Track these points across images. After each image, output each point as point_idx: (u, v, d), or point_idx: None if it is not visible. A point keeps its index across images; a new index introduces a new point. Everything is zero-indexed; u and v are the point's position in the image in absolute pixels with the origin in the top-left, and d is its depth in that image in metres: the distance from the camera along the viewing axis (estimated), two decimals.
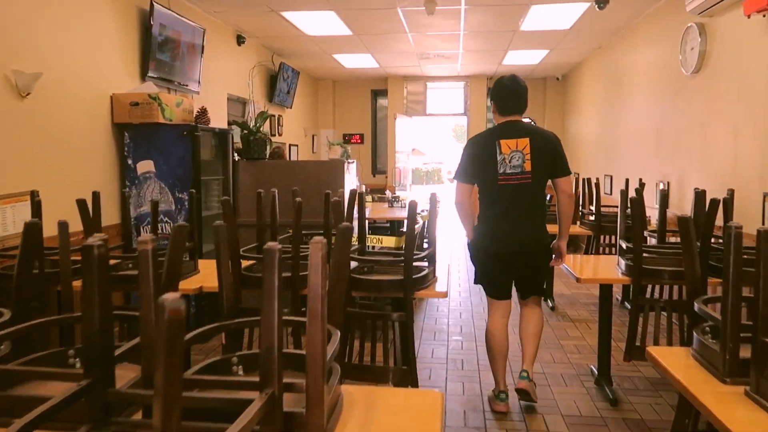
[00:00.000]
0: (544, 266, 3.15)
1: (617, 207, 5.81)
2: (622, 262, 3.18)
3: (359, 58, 8.43)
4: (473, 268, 3.25)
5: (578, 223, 5.35)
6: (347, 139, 10.90)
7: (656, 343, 3.01)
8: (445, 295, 2.80)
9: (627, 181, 5.43)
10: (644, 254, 3.00)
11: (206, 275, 3.14)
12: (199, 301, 4.12)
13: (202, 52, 5.41)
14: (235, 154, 4.89)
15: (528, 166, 2.95)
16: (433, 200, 3.20)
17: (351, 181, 4.92)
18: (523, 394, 3.10)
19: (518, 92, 3.06)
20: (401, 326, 2.70)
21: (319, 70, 9.53)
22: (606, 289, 3.34)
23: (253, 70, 4.78)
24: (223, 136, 4.73)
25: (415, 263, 2.78)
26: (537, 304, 3.19)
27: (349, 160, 4.83)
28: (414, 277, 2.72)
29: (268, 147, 4.90)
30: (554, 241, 3.18)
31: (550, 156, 2.99)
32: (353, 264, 2.89)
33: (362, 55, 8.15)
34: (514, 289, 3.18)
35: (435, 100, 10.54)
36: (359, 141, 10.91)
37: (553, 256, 3.17)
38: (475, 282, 3.24)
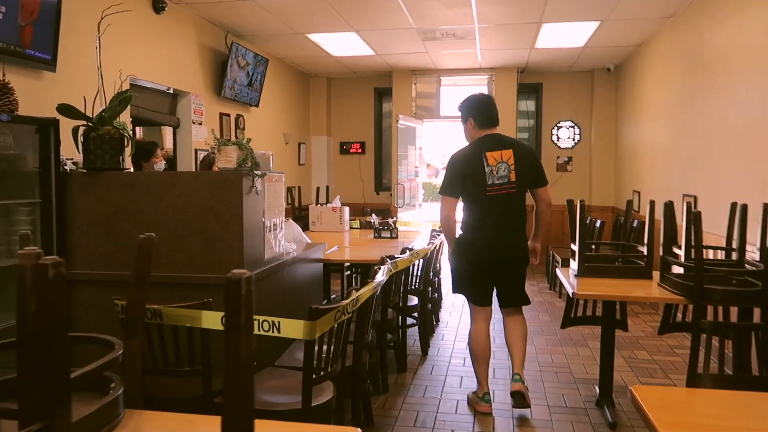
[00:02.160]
0: (524, 273, 3.38)
1: (722, 250, 3.64)
2: None
3: (345, 41, 6.45)
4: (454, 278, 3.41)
5: (656, 277, 3.18)
6: (345, 148, 8.92)
7: None
8: None
9: (740, 208, 3.21)
10: None
11: None
12: None
13: (59, 12, 3.51)
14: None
15: (513, 177, 3.16)
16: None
17: (259, 207, 2.90)
18: (517, 397, 3.17)
19: (494, 105, 3.32)
20: None
21: (303, 60, 7.59)
22: None
23: (101, 25, 2.86)
24: (43, 133, 2.77)
25: None
26: (519, 311, 3.37)
27: (257, 172, 2.81)
28: None
29: (128, 149, 2.93)
30: (530, 242, 3.41)
31: (531, 166, 3.24)
32: None
33: (346, 35, 6.16)
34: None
35: (451, 99, 8.45)
36: (359, 150, 8.91)
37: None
38: (454, 290, 3.39)
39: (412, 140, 8.14)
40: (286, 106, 7.78)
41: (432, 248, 4.23)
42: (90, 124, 2.83)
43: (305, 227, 6.26)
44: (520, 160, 3.16)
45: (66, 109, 2.74)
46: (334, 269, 5.98)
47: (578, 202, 3.34)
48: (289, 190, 7.46)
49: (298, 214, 7.46)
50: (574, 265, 3.40)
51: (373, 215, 5.68)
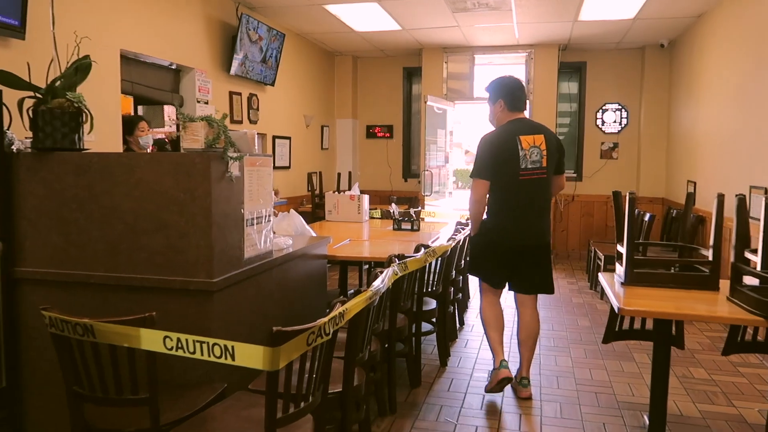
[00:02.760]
0: (548, 260, 3.28)
1: None
2: None
3: (367, 13, 5.90)
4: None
5: (723, 289, 2.57)
6: (372, 132, 8.40)
7: None
8: None
9: None
10: None
11: None
12: None
13: None
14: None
15: (545, 162, 3.12)
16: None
17: (236, 196, 2.41)
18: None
19: (524, 89, 3.32)
20: None
21: (325, 37, 7.08)
22: None
23: None
24: None
25: None
26: (535, 306, 3.32)
27: (232, 154, 2.32)
28: None
29: (87, 125, 2.48)
30: None
31: (558, 152, 3.22)
32: None
33: (367, 6, 5.62)
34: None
35: (486, 80, 7.80)
36: (387, 135, 8.38)
37: None
38: (472, 271, 3.47)
39: (442, 123, 7.56)
40: (308, 86, 7.29)
41: (453, 245, 3.68)
42: (39, 95, 2.39)
43: (322, 216, 5.80)
44: (550, 146, 3.14)
45: (6, 78, 2.31)
46: (351, 263, 5.51)
47: (627, 194, 2.75)
48: (310, 176, 7.00)
49: (318, 202, 7.01)
50: (620, 270, 2.82)
51: (393, 205, 5.16)
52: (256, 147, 2.69)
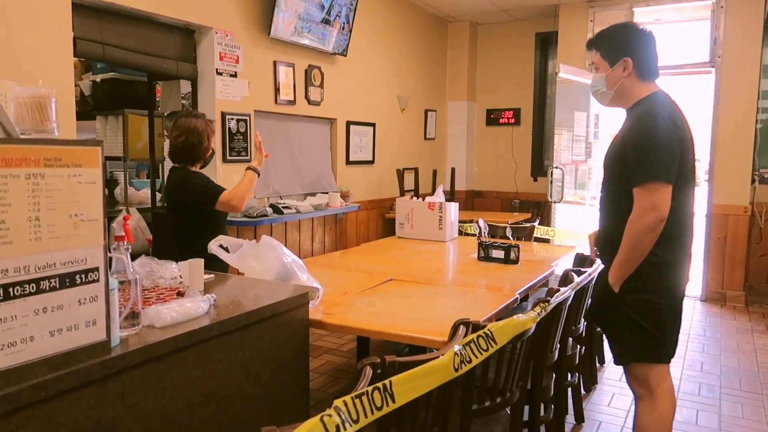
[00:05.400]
0: None
1: None
2: None
3: None
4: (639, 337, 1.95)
5: None
6: (493, 118, 6.64)
7: None
8: None
9: None
10: None
11: None
12: None
13: None
14: None
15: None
16: None
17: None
18: None
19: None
20: None
21: None
22: None
23: None
24: None
25: None
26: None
27: None
28: None
29: None
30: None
31: None
32: None
33: None
34: None
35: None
36: (512, 121, 6.57)
37: None
38: (653, 357, 1.97)
39: (582, 104, 5.59)
40: (405, 60, 5.76)
41: (543, 315, 1.94)
42: None
43: (391, 230, 4.26)
44: None
45: None
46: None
47: None
48: (401, 173, 5.49)
49: None
50: None
51: (481, 220, 3.44)
52: (54, 121, 1.26)
